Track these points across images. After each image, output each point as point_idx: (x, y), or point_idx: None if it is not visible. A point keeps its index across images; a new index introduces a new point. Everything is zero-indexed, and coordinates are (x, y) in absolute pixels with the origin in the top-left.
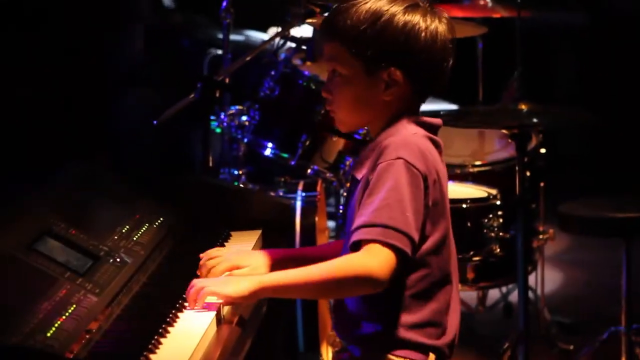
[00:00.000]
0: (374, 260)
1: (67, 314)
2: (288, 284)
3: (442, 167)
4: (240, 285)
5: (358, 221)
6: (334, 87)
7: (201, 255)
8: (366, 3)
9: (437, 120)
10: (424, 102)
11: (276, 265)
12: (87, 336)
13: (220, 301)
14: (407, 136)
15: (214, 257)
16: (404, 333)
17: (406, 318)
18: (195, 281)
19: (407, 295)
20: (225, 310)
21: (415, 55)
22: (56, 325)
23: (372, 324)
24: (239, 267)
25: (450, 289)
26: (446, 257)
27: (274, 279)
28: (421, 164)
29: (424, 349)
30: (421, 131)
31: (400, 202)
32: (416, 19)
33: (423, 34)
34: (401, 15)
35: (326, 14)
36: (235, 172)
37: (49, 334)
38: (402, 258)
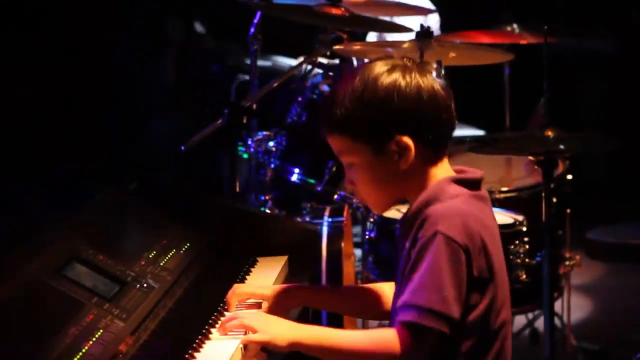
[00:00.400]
0: (407, 344)
1: (94, 339)
2: (324, 345)
3: (490, 223)
4: (281, 332)
5: (400, 300)
6: (353, 176)
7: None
8: (348, 86)
9: (477, 174)
10: (444, 153)
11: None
12: None
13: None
14: (449, 206)
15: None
16: None
17: None
18: (237, 313)
19: (459, 356)
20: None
21: (410, 116)
22: (83, 350)
23: None
24: (261, 297)
25: (502, 347)
26: (496, 318)
27: (313, 338)
28: (462, 236)
29: None
30: (464, 191)
31: (438, 280)
32: (395, 80)
33: (407, 92)
34: (380, 85)
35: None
36: (262, 198)
37: (76, 359)
38: (439, 337)
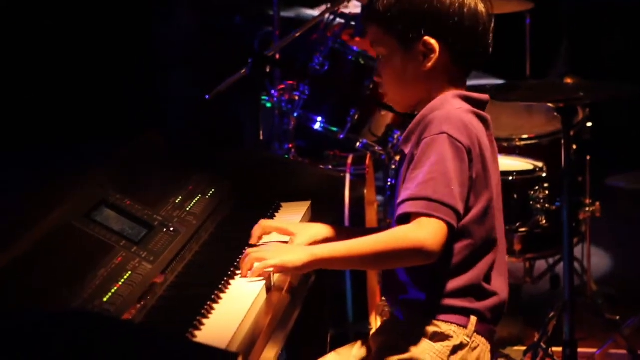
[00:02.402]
0: (424, 232)
1: (122, 280)
2: (341, 256)
3: (486, 140)
4: (294, 255)
5: (403, 194)
6: (381, 69)
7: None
8: None
9: (484, 96)
10: (467, 74)
11: (325, 240)
12: (142, 302)
13: (271, 270)
14: (450, 111)
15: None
16: (446, 299)
17: (448, 285)
18: (249, 250)
19: (450, 263)
20: (275, 278)
21: (444, 21)
22: (112, 290)
23: (416, 290)
24: (286, 232)
25: (492, 257)
26: (489, 226)
27: (327, 251)
28: (464, 137)
29: (465, 312)
30: (466, 106)
31: (445, 175)
32: None
33: (449, 2)
34: None
35: None
36: (286, 146)
37: (105, 299)
38: (448, 229)
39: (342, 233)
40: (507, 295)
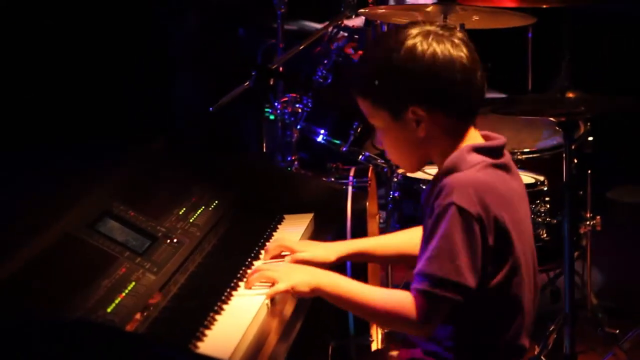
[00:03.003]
0: (419, 310)
1: (126, 291)
2: (342, 295)
3: (507, 191)
4: (301, 279)
5: (416, 268)
6: (381, 138)
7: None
8: (372, 51)
9: (499, 142)
10: (471, 119)
11: (346, 258)
12: (145, 312)
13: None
14: (465, 175)
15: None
16: (475, 355)
17: (482, 345)
18: (260, 266)
19: (482, 325)
20: None
21: (423, 85)
22: (116, 301)
23: (445, 341)
24: (293, 251)
25: (523, 313)
26: (518, 282)
27: (332, 286)
28: (475, 206)
29: None
30: (484, 160)
31: (451, 250)
32: (413, 49)
33: (422, 63)
34: (398, 54)
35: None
36: (289, 158)
37: (109, 310)
38: (454, 304)
39: (360, 251)
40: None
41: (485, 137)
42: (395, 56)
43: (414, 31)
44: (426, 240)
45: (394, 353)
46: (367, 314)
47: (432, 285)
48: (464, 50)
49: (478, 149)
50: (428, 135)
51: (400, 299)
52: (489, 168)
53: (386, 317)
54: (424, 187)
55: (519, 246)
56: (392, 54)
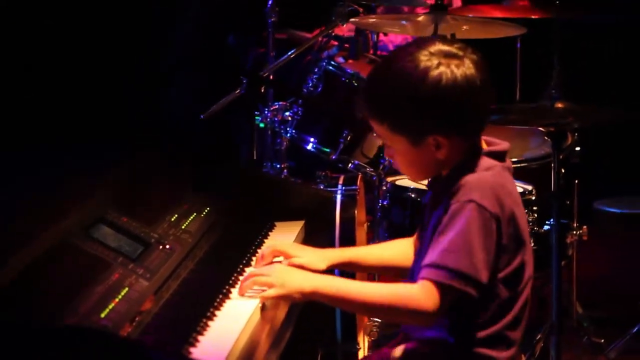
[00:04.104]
0: (431, 300)
1: (119, 296)
2: (341, 296)
3: (516, 192)
4: (296, 285)
5: (427, 259)
6: (391, 155)
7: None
8: (392, 74)
9: (505, 146)
10: (481, 134)
11: (336, 265)
12: (139, 318)
13: (266, 289)
14: (482, 176)
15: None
16: (473, 347)
17: (478, 334)
18: (253, 271)
19: (482, 315)
20: None
21: (450, 115)
22: (110, 307)
23: (445, 332)
24: (287, 255)
25: (522, 307)
26: (520, 279)
27: (330, 287)
28: (494, 205)
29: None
30: (496, 163)
31: (468, 245)
32: (439, 78)
33: (449, 91)
34: (424, 83)
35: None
36: (278, 166)
37: (102, 315)
38: (464, 298)
39: (351, 261)
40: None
41: (488, 143)
42: (421, 87)
43: (434, 57)
44: (439, 234)
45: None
46: (371, 310)
47: (449, 278)
48: (480, 72)
49: (488, 153)
50: (446, 157)
51: (408, 291)
52: (502, 170)
53: (392, 310)
54: (412, 195)
55: (528, 244)
56: (419, 83)
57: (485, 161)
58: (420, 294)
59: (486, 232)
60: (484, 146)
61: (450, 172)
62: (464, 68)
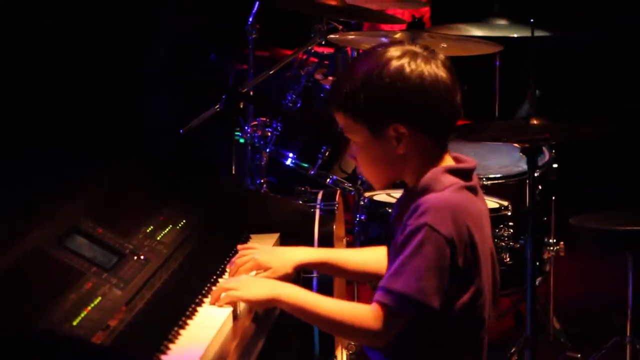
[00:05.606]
0: (379, 322)
1: (92, 305)
2: (300, 305)
3: (478, 213)
4: (259, 291)
5: (382, 281)
6: (355, 153)
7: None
8: (358, 66)
9: (470, 165)
10: (447, 140)
11: (305, 266)
12: (111, 326)
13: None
14: (440, 197)
15: (246, 254)
16: None
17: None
18: (221, 282)
19: (440, 340)
20: (242, 307)
21: (409, 103)
22: (82, 315)
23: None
24: (264, 268)
25: (483, 333)
26: (481, 304)
27: (290, 296)
28: (449, 228)
29: None
30: (456, 181)
31: (418, 269)
32: (400, 68)
33: (409, 82)
34: (386, 71)
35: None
36: (258, 181)
37: (75, 323)
38: (411, 321)
39: (326, 262)
40: None
41: (456, 160)
42: (384, 73)
43: (399, 51)
44: (393, 257)
45: None
46: (325, 324)
47: (394, 301)
48: (447, 72)
49: (451, 171)
50: (406, 153)
51: (359, 311)
52: (461, 190)
53: (343, 327)
54: (390, 210)
55: (484, 267)
56: (381, 71)
57: (448, 179)
58: (369, 315)
59: (438, 257)
60: (451, 162)
61: (411, 188)
62: (430, 66)
